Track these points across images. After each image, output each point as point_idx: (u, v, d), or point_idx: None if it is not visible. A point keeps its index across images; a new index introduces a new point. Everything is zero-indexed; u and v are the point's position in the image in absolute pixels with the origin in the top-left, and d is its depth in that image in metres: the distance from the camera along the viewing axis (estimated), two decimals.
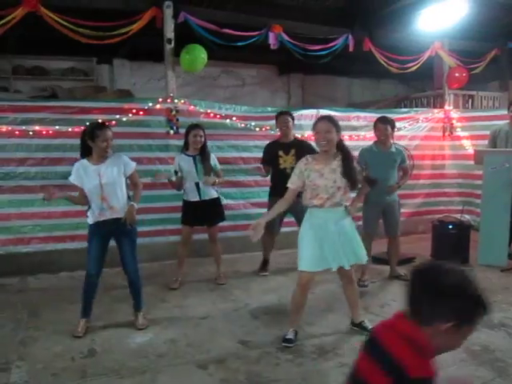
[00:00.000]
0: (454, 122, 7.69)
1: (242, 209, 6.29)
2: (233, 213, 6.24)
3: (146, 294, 4.71)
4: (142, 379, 3.08)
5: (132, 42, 6.98)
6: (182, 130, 5.28)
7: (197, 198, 4.86)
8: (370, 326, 3.69)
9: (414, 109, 7.99)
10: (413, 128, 7.40)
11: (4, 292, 4.85)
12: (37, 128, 5.32)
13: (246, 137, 6.21)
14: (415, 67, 7.54)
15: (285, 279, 5.12)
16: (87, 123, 4.39)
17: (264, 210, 5.13)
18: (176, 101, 5.87)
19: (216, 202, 5.02)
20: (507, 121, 5.95)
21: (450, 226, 5.83)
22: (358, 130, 6.90)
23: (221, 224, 6.14)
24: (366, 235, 5.05)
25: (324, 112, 6.71)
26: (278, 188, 3.76)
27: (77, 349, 3.50)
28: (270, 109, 6.47)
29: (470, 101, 8.85)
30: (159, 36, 5.97)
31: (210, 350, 3.49)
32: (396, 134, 6.95)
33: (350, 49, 7.04)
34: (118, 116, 5.59)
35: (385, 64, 7.39)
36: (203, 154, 4.89)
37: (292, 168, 3.85)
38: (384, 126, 4.88)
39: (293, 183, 3.54)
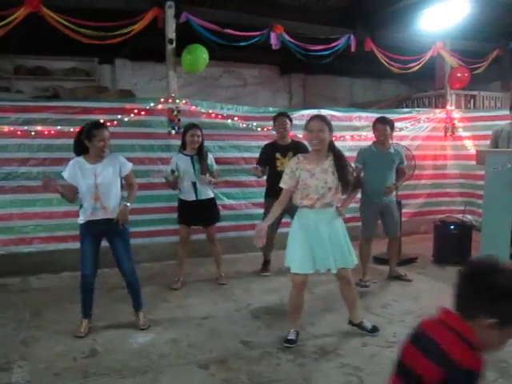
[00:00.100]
0: (455, 122, 7.69)
1: (244, 209, 6.29)
2: (234, 213, 6.25)
3: (148, 294, 4.73)
4: (143, 379, 3.09)
5: (134, 42, 7.00)
6: None
7: (193, 198, 4.85)
8: (369, 325, 3.69)
9: (416, 109, 7.99)
10: (414, 128, 7.40)
11: (6, 292, 4.86)
12: (39, 128, 5.34)
13: (248, 137, 6.22)
14: (417, 67, 7.53)
15: (286, 279, 5.09)
16: None
17: None
18: (177, 101, 5.88)
19: (212, 202, 5.02)
20: (509, 121, 5.93)
21: (452, 227, 5.83)
22: (359, 130, 6.89)
23: (222, 224, 6.15)
24: (365, 239, 5.06)
25: (326, 112, 6.72)
26: (274, 189, 3.75)
27: (79, 349, 3.50)
28: (271, 109, 6.47)
29: (472, 101, 8.83)
30: (161, 36, 5.97)
31: (212, 350, 3.49)
32: (398, 134, 6.99)
33: (352, 49, 7.04)
34: (119, 116, 5.60)
35: (386, 64, 7.38)
36: (201, 153, 4.89)
37: None
38: (383, 126, 4.87)
39: (285, 183, 3.52)
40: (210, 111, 6.08)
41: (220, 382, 3.06)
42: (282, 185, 3.55)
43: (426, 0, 6.74)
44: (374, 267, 5.29)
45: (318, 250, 3.43)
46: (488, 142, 6.36)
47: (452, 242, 5.79)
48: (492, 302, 1.40)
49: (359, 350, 3.47)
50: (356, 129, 6.92)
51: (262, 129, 6.26)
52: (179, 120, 5.76)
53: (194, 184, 4.84)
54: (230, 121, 6.17)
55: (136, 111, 5.70)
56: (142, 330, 3.85)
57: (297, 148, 5.02)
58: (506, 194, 5.49)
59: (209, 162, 4.94)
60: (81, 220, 3.78)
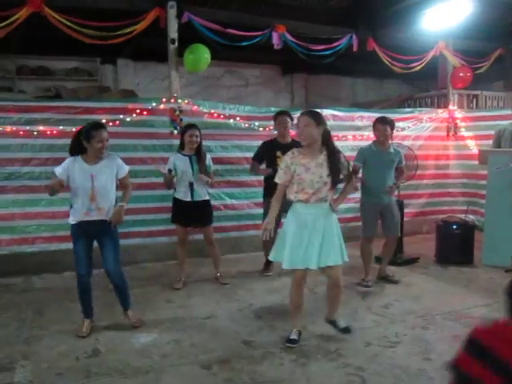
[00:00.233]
0: (458, 121, 7.69)
1: (246, 209, 6.29)
2: (236, 213, 6.25)
3: (150, 294, 4.75)
4: (145, 379, 3.09)
5: (136, 42, 7.01)
6: None
7: (189, 198, 4.84)
8: (343, 325, 3.67)
9: (418, 109, 7.99)
10: (417, 128, 7.39)
11: (8, 292, 4.87)
12: (41, 128, 5.35)
13: (250, 137, 6.21)
14: (419, 67, 7.53)
15: (289, 279, 5.04)
16: None
17: None
18: (180, 101, 5.88)
19: (206, 203, 5.01)
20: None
21: (455, 227, 5.82)
22: (361, 130, 6.89)
23: (224, 224, 6.17)
24: (366, 239, 5.04)
25: (328, 112, 6.73)
26: (273, 189, 3.74)
27: (81, 348, 3.50)
28: (273, 109, 6.46)
29: (475, 101, 8.83)
30: (163, 36, 5.97)
31: (214, 350, 3.48)
32: (400, 133, 7.00)
33: (354, 49, 7.03)
34: (121, 116, 5.61)
35: (389, 64, 7.38)
36: (199, 154, 4.89)
37: None
38: (383, 126, 4.86)
39: (280, 178, 3.53)
40: (212, 111, 6.08)
41: (222, 381, 3.05)
42: (277, 180, 3.57)
43: None
44: (376, 267, 5.27)
45: (313, 245, 3.41)
46: (490, 141, 6.37)
47: (454, 242, 5.78)
48: None
49: (361, 350, 3.47)
50: (358, 129, 6.91)
51: (264, 129, 6.26)
52: (181, 120, 5.76)
53: (191, 184, 4.83)
54: (232, 121, 6.18)
55: (138, 111, 5.70)
56: (136, 327, 3.84)
57: (298, 147, 5.01)
58: (509, 194, 5.49)
59: (207, 162, 4.94)
60: (72, 221, 3.72)
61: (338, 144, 6.54)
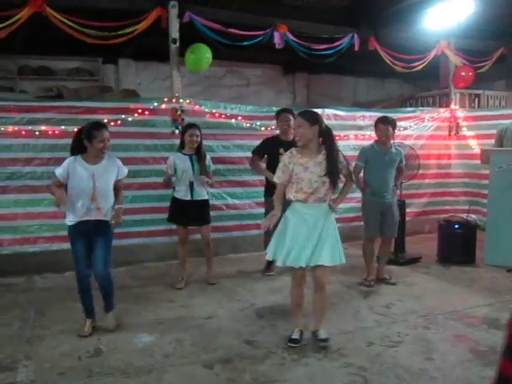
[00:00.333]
0: (459, 121, 7.69)
1: (248, 208, 6.29)
2: (238, 212, 6.25)
3: (152, 293, 4.76)
4: (147, 379, 3.09)
5: (137, 42, 7.01)
6: None
7: (188, 198, 4.84)
8: (324, 336, 3.52)
9: (420, 108, 7.97)
10: (418, 127, 7.39)
11: (11, 291, 4.87)
12: (43, 128, 5.35)
13: (252, 136, 6.20)
14: (421, 66, 7.52)
15: (290, 279, 5.10)
16: None
17: None
18: (181, 100, 5.88)
19: (206, 203, 5.01)
20: None
21: (456, 226, 5.81)
22: (363, 130, 6.88)
23: (226, 223, 6.17)
24: (368, 239, 5.03)
25: (329, 111, 6.73)
26: (274, 188, 3.72)
27: (83, 348, 3.50)
28: (275, 108, 6.43)
29: (476, 100, 8.82)
30: (164, 36, 5.98)
31: (216, 350, 3.48)
32: (402, 133, 6.99)
33: (356, 48, 7.03)
34: (123, 116, 5.61)
35: (390, 63, 7.37)
36: (199, 153, 4.89)
37: None
38: (385, 126, 4.86)
39: (279, 178, 3.52)
40: (214, 111, 6.08)
41: (224, 381, 3.05)
42: (275, 179, 3.57)
43: None
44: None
45: (308, 246, 3.39)
46: (492, 141, 6.36)
47: (456, 242, 5.77)
48: None
49: (364, 350, 3.46)
50: (360, 128, 6.91)
51: (266, 128, 6.26)
52: (183, 120, 5.76)
53: (191, 184, 4.83)
54: (233, 120, 6.18)
55: (140, 111, 5.71)
56: (110, 331, 3.77)
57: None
58: (511, 193, 5.48)
59: (207, 162, 4.94)
60: (70, 221, 3.69)
61: (339, 143, 6.60)
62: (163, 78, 8.64)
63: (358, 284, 5.00)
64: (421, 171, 6.06)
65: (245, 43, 6.24)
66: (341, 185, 3.62)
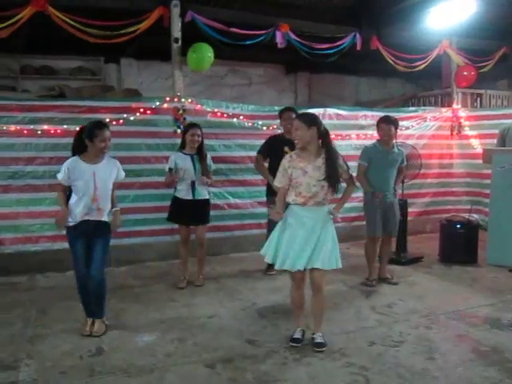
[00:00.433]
0: (462, 120, 7.68)
1: (249, 208, 6.29)
2: (240, 212, 6.26)
3: (154, 293, 4.76)
4: (149, 378, 3.09)
5: (139, 42, 7.01)
6: None
7: (190, 197, 4.84)
8: (319, 340, 3.47)
9: (422, 107, 7.97)
10: (420, 127, 7.38)
11: (13, 290, 4.88)
12: (45, 127, 5.35)
13: (253, 136, 6.21)
14: (423, 66, 7.51)
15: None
16: None
17: None
18: (183, 100, 5.88)
19: (206, 202, 5.01)
20: None
21: (458, 226, 5.81)
22: (365, 129, 6.87)
23: (228, 223, 6.17)
24: (370, 239, 5.01)
25: (331, 111, 6.73)
26: None
27: (85, 347, 3.51)
28: (277, 108, 6.43)
29: (479, 99, 8.80)
30: (166, 35, 5.97)
31: (218, 349, 3.49)
32: (404, 132, 6.98)
33: (358, 47, 7.02)
34: (125, 115, 5.61)
35: (392, 63, 7.37)
36: (201, 153, 4.89)
37: None
38: (388, 126, 4.85)
39: (280, 182, 3.51)
40: (216, 110, 6.08)
41: (226, 380, 3.05)
42: (276, 183, 3.55)
43: None
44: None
45: (306, 249, 3.37)
46: (495, 140, 6.35)
47: (458, 242, 5.77)
48: None
49: (365, 350, 3.46)
50: (362, 127, 6.90)
51: (268, 128, 6.25)
52: (185, 119, 5.76)
53: (192, 183, 4.83)
54: (235, 120, 6.17)
55: (142, 110, 5.71)
56: (95, 336, 3.68)
57: None
58: None
59: (208, 162, 4.94)
60: (70, 222, 3.66)
61: (341, 143, 6.65)
62: (165, 78, 8.64)
63: (359, 284, 4.99)
64: (423, 171, 6.05)
65: (247, 42, 6.23)
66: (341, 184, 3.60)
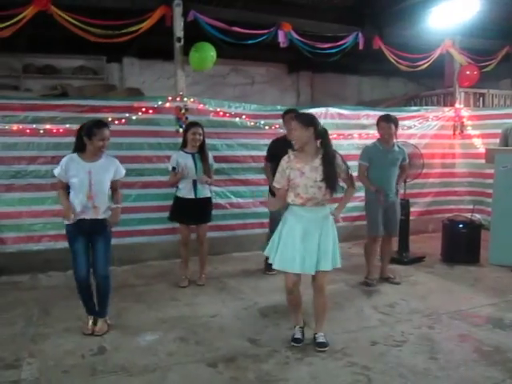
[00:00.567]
0: (464, 120, 7.67)
1: (252, 207, 6.28)
2: (242, 211, 6.25)
3: (156, 292, 4.77)
4: (151, 377, 3.09)
5: (141, 41, 7.00)
6: None
7: (192, 196, 4.84)
8: (321, 340, 3.48)
9: (424, 107, 7.96)
10: (423, 126, 7.37)
11: (15, 289, 4.89)
12: (47, 126, 5.35)
13: (256, 135, 6.21)
14: (425, 65, 7.50)
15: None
16: None
17: None
18: (185, 99, 5.88)
19: (208, 201, 5.01)
20: None
21: (461, 226, 5.80)
22: (367, 129, 6.86)
23: (230, 222, 6.17)
24: (371, 238, 5.00)
25: (333, 110, 6.72)
26: None
27: (87, 346, 3.52)
28: (279, 107, 6.45)
29: (481, 99, 8.76)
30: (168, 34, 5.97)
31: (220, 349, 3.49)
32: (406, 132, 6.97)
33: (360, 47, 7.01)
34: (127, 114, 5.61)
35: (395, 62, 7.35)
36: (202, 152, 4.88)
37: None
38: (388, 124, 4.84)
39: (278, 182, 3.49)
40: (218, 109, 6.08)
41: (228, 380, 3.06)
42: (275, 184, 3.53)
43: None
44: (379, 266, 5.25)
45: (305, 249, 3.35)
46: (497, 140, 6.33)
47: (460, 241, 5.76)
48: None
49: (367, 349, 3.46)
50: (364, 127, 6.89)
51: (270, 127, 6.25)
52: (187, 118, 5.76)
53: (194, 182, 4.83)
54: (237, 119, 6.17)
55: (144, 109, 5.71)
56: (97, 335, 3.70)
57: None
58: None
59: (210, 161, 4.94)
60: (69, 220, 3.66)
61: (343, 142, 6.64)
62: (167, 77, 8.62)
63: (361, 283, 4.99)
64: (425, 170, 6.04)
65: (249, 42, 6.23)
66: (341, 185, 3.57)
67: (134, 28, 5.65)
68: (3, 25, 5.10)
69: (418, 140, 7.09)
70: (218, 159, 5.40)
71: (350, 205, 6.15)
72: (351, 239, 6.32)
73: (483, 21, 7.18)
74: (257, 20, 6.46)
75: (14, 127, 5.25)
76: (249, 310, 4.29)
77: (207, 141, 5.03)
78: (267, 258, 5.32)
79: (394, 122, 4.88)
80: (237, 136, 6.17)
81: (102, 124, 3.67)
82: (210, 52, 5.94)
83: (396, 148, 4.97)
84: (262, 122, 6.26)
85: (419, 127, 7.33)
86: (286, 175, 3.42)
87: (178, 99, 5.85)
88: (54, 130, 5.37)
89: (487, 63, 7.85)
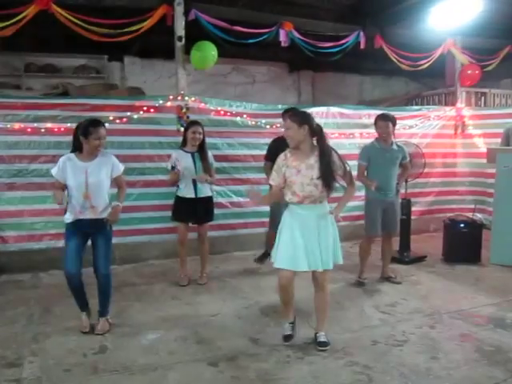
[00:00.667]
0: (465, 119, 7.66)
1: (253, 206, 6.27)
2: (243, 210, 6.26)
3: (157, 291, 4.77)
4: (152, 376, 3.10)
5: (143, 40, 7.00)
6: None
7: (192, 195, 4.84)
8: (322, 339, 3.47)
9: (426, 106, 7.96)
10: (424, 126, 7.37)
11: (17, 288, 4.89)
12: (48, 125, 5.36)
13: (257, 134, 6.21)
14: (427, 64, 7.49)
15: (295, 278, 5.09)
16: None
17: None
18: (186, 98, 5.88)
19: (210, 200, 5.00)
20: None
21: (462, 225, 5.79)
22: (368, 128, 6.83)
23: (231, 222, 6.17)
24: (368, 238, 4.98)
25: (335, 110, 6.71)
26: None
27: (88, 345, 3.52)
28: (280, 106, 6.45)
29: (483, 98, 8.75)
30: (170, 33, 5.97)
31: (221, 348, 3.49)
32: (407, 131, 6.98)
33: (362, 46, 7.01)
34: (129, 113, 5.62)
35: (396, 61, 7.35)
36: (202, 151, 4.87)
37: None
38: (385, 123, 4.82)
39: (274, 180, 3.48)
40: (219, 108, 6.08)
41: (229, 379, 3.06)
42: (270, 181, 3.52)
43: None
44: (379, 265, 5.24)
45: (305, 247, 3.34)
46: (499, 139, 6.33)
47: (462, 241, 5.75)
48: None
49: (368, 349, 3.46)
50: (365, 126, 6.87)
51: (271, 126, 6.25)
52: (188, 117, 5.76)
53: (194, 181, 4.82)
54: (238, 118, 6.17)
55: (145, 108, 5.71)
56: (98, 334, 3.70)
57: None
58: None
59: (210, 160, 4.94)
60: (68, 219, 3.68)
61: (345, 142, 6.63)
62: (168, 76, 8.62)
63: (353, 284, 4.98)
64: (426, 170, 6.03)
65: (250, 41, 6.23)
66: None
67: (135, 27, 5.65)
68: (5, 24, 5.10)
69: (420, 139, 7.09)
70: (218, 158, 5.40)
71: (350, 204, 6.15)
72: (352, 238, 6.31)
73: (485, 20, 7.17)
74: (258, 19, 6.46)
75: (16, 126, 5.26)
76: (250, 309, 4.29)
77: (208, 140, 5.02)
78: (266, 252, 5.35)
79: (392, 120, 4.86)
80: (238, 135, 6.17)
81: (97, 123, 3.66)
82: (211, 51, 5.94)
83: (395, 147, 4.95)
84: (263, 121, 6.26)
85: (420, 127, 7.33)
86: (282, 173, 3.41)
87: (179, 98, 5.85)
88: (56, 129, 5.38)
89: (489, 62, 7.84)
